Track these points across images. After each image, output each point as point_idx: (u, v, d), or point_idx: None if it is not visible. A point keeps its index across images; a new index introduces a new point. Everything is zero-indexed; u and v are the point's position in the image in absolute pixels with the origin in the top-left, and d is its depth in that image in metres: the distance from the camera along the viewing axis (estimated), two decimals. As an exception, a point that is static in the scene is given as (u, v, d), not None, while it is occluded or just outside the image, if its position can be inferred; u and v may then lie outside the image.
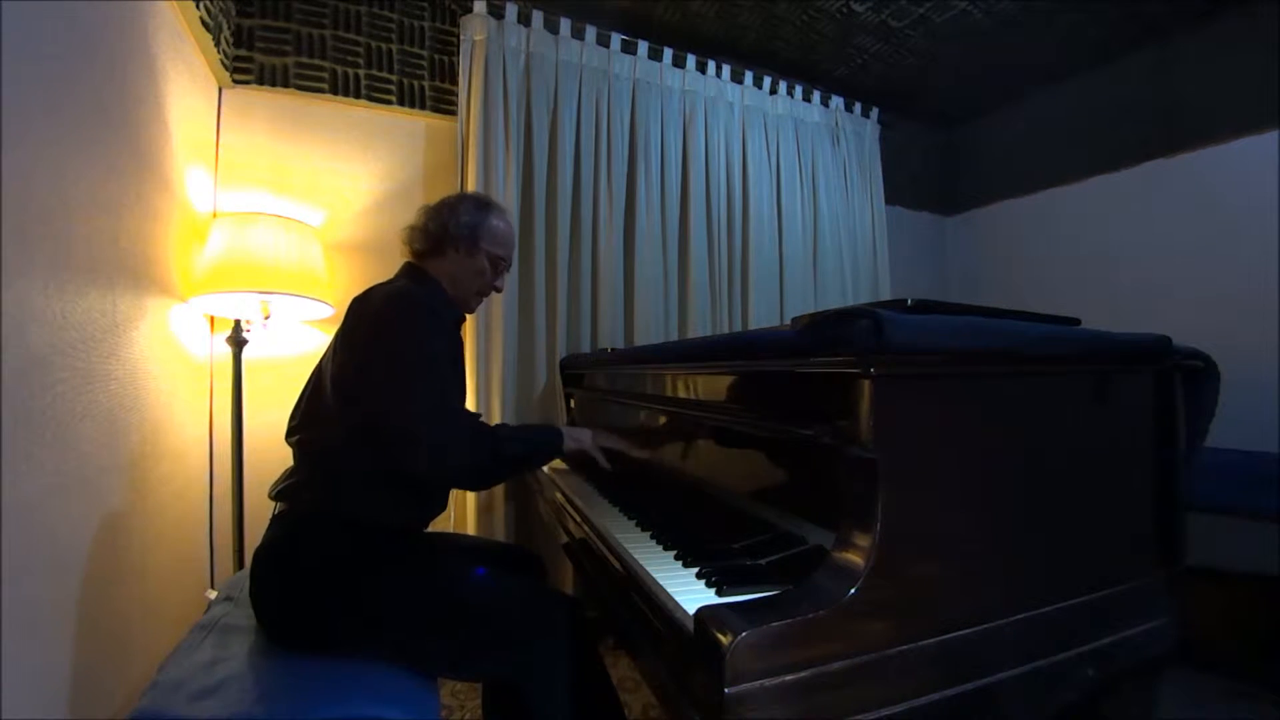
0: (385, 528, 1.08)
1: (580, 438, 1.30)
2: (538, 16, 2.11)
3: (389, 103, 2.05)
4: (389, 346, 1.05)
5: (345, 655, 0.97)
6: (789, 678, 0.63)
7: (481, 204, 1.31)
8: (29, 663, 0.88)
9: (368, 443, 1.03)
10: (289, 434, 1.13)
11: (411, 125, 2.09)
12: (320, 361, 1.17)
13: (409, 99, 2.08)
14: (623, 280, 2.22)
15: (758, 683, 0.61)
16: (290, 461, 1.14)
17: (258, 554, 1.04)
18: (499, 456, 1.11)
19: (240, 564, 1.65)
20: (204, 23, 1.56)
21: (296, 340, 1.91)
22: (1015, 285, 2.96)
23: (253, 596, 1.03)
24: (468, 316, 1.40)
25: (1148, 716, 1.02)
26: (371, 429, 1.03)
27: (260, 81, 1.88)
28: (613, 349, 2.00)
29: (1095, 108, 2.64)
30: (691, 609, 0.68)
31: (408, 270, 1.29)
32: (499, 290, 1.37)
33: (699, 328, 2.33)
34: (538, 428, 1.35)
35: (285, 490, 1.07)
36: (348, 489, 1.05)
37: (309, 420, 1.12)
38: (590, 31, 2.20)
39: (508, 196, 2.00)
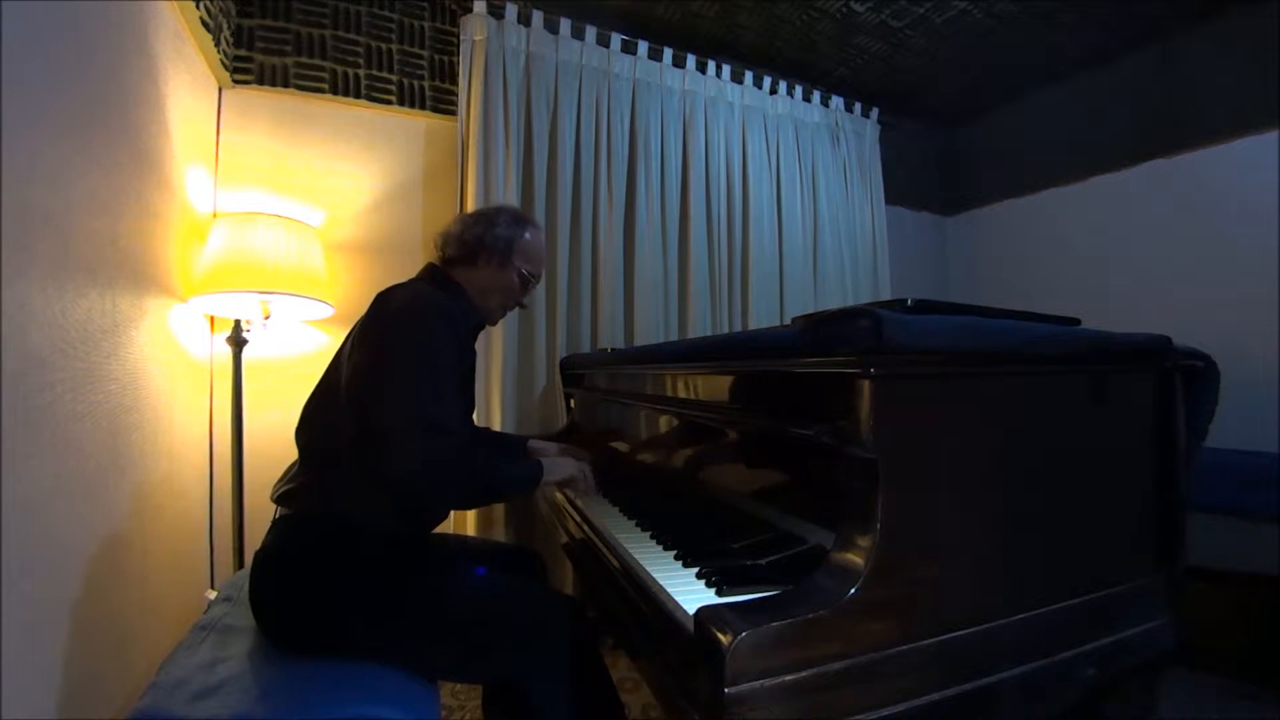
0: (387, 534, 1.07)
1: (563, 469, 1.26)
2: (538, 16, 2.11)
3: (389, 103, 2.05)
4: (395, 347, 1.04)
5: (346, 658, 0.97)
6: (789, 678, 0.63)
7: (519, 219, 1.30)
8: (29, 663, 0.88)
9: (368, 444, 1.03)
10: (298, 432, 1.12)
11: (411, 125, 2.09)
12: (335, 359, 1.15)
13: (409, 99, 2.08)
14: (623, 280, 2.22)
15: (758, 683, 0.61)
16: (291, 460, 1.13)
17: (258, 558, 1.03)
18: (477, 484, 1.09)
19: (240, 564, 1.65)
20: (204, 23, 1.56)
21: (296, 340, 1.91)
22: (1015, 285, 2.96)
23: (252, 601, 1.02)
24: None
25: (1148, 716, 1.02)
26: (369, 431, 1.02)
27: (260, 81, 1.88)
28: (613, 349, 2.00)
29: (1095, 108, 2.64)
30: (691, 609, 0.68)
31: (431, 273, 1.27)
32: (523, 306, 1.37)
33: (699, 328, 2.33)
34: (520, 464, 1.29)
35: (287, 493, 1.06)
36: (351, 493, 1.04)
37: (316, 420, 1.11)
38: (590, 31, 2.20)
39: (508, 196, 2.00)
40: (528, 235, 1.29)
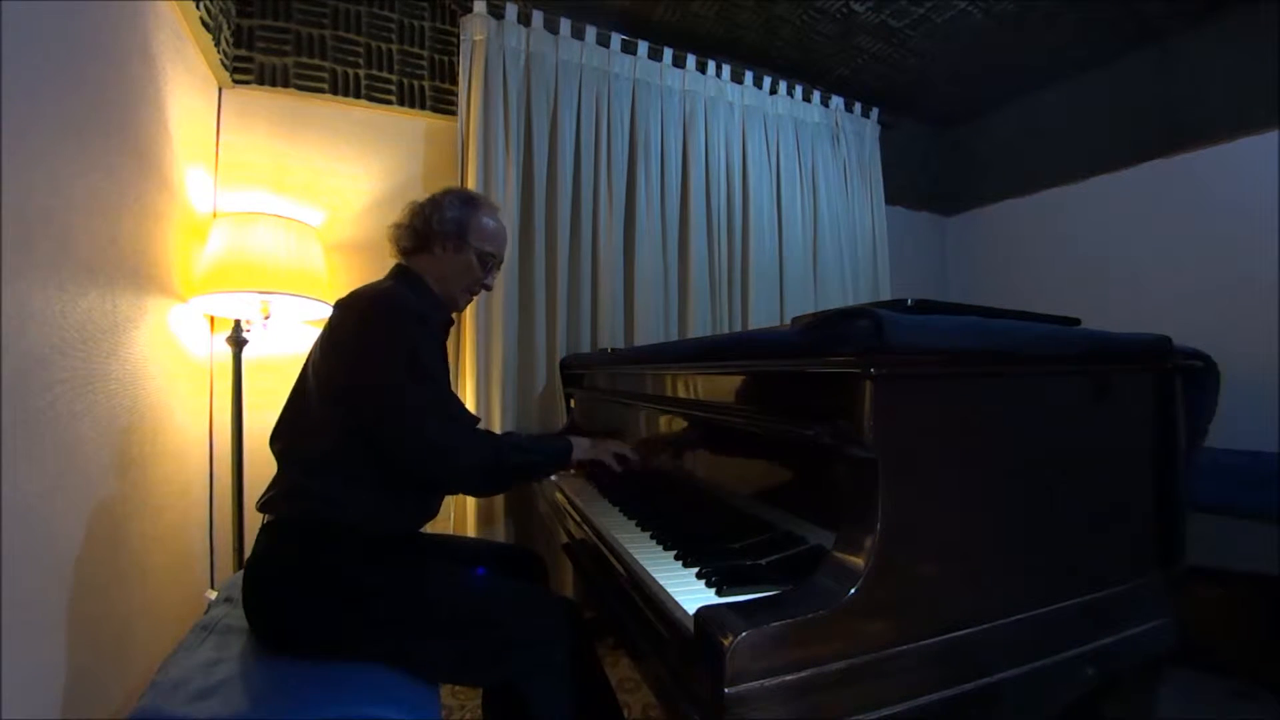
0: (375, 535, 1.06)
1: (587, 447, 1.30)
2: (538, 16, 2.11)
3: (389, 103, 2.04)
4: (378, 350, 1.04)
5: (344, 660, 0.97)
6: (789, 678, 0.63)
7: (467, 199, 1.29)
8: (28, 663, 0.88)
9: (356, 448, 1.03)
10: (272, 440, 1.12)
11: (411, 125, 2.09)
12: (305, 366, 1.15)
13: (409, 99, 2.08)
14: (623, 280, 2.22)
15: (758, 683, 0.61)
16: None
17: (248, 566, 1.03)
18: (506, 460, 1.11)
19: (240, 564, 1.65)
20: (204, 23, 1.56)
21: (296, 340, 1.91)
22: (1015, 285, 2.96)
23: (246, 609, 1.02)
24: (460, 316, 1.39)
25: (1148, 716, 1.02)
26: (365, 434, 1.02)
27: (260, 81, 1.88)
28: (613, 349, 2.00)
29: (1095, 108, 2.64)
30: (692, 609, 0.68)
31: (395, 271, 1.27)
32: (488, 288, 1.35)
33: (699, 328, 2.32)
34: (545, 436, 1.35)
35: (270, 500, 1.06)
36: (334, 496, 1.03)
37: (292, 426, 1.11)
38: (590, 31, 2.20)
39: (508, 196, 2.00)
40: (481, 214, 1.28)
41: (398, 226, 1.28)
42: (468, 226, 1.26)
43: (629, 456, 1.34)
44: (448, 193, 1.30)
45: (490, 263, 1.31)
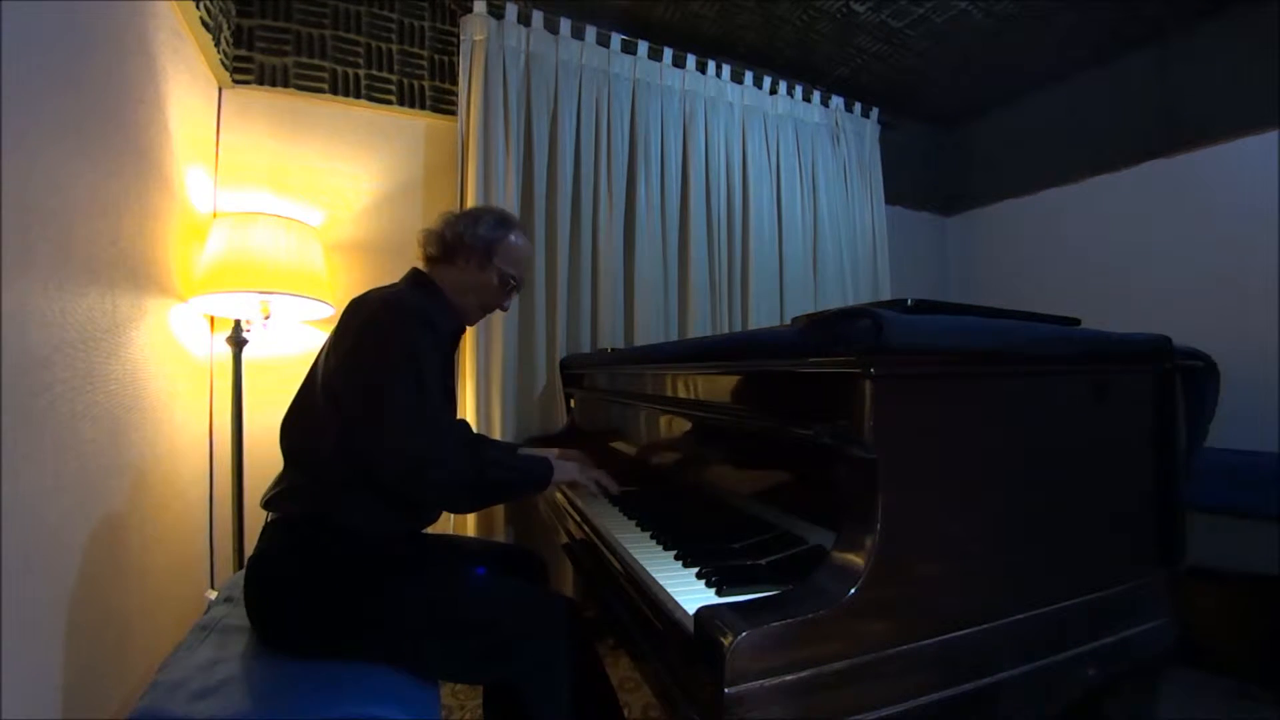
0: (377, 535, 1.06)
1: (569, 470, 1.28)
2: (538, 16, 2.11)
3: (389, 103, 2.05)
4: (375, 351, 1.03)
5: (344, 660, 0.97)
6: (789, 678, 0.63)
7: (503, 221, 1.30)
8: (28, 663, 0.88)
9: (354, 448, 1.03)
10: (281, 438, 1.12)
11: (411, 125, 2.09)
12: (313, 364, 1.15)
13: (409, 99, 2.08)
14: (623, 280, 2.22)
15: (758, 683, 0.61)
16: (288, 464, 1.13)
17: (250, 564, 1.03)
18: (481, 479, 1.09)
19: (240, 564, 1.65)
20: (204, 23, 1.56)
21: (296, 340, 1.91)
22: (1015, 285, 2.96)
23: (248, 607, 1.02)
24: (468, 328, 1.39)
25: (1148, 716, 1.02)
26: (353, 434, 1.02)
27: (260, 81, 1.88)
28: (613, 349, 2.00)
29: (1095, 108, 2.64)
30: (691, 609, 0.68)
31: (413, 276, 1.27)
32: (504, 310, 1.35)
33: (699, 328, 2.33)
34: (526, 457, 1.34)
35: (274, 498, 1.06)
36: (337, 495, 1.03)
37: (298, 424, 1.11)
38: (590, 31, 2.20)
39: (508, 196, 2.00)
40: (512, 238, 1.28)
41: (428, 232, 1.28)
42: (496, 245, 1.26)
43: (609, 490, 1.34)
44: (486, 210, 1.32)
45: (511, 284, 1.31)
